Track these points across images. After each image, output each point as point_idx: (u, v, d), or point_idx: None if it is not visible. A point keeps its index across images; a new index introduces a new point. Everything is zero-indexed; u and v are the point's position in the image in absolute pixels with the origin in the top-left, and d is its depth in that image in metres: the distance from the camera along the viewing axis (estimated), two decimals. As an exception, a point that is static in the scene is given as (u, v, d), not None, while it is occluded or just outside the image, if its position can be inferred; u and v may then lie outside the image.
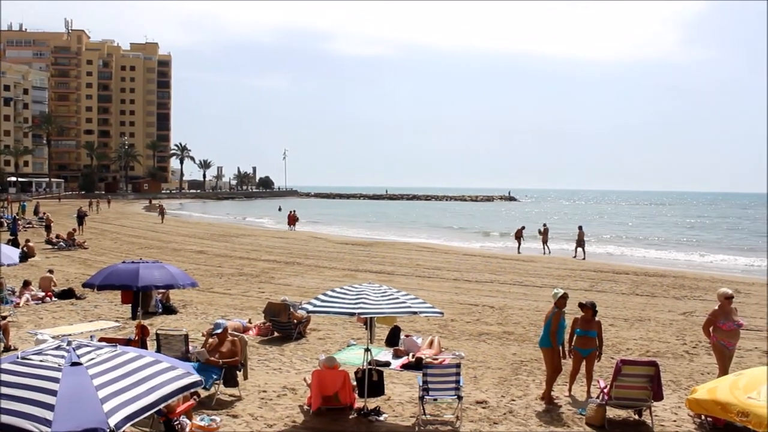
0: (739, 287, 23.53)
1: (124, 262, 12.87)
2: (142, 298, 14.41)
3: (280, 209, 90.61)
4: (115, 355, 5.74)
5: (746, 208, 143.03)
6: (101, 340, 10.52)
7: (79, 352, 5.61)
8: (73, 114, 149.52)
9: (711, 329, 11.15)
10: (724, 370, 10.98)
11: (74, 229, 37.34)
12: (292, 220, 54.49)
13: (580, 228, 37.04)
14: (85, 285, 12.51)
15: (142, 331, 12.34)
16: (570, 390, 11.11)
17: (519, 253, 37.82)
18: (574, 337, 10.85)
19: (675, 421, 10.00)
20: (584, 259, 35.38)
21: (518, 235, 39.34)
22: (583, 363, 10.96)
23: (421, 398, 9.72)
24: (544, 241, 38.53)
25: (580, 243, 36.20)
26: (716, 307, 11.25)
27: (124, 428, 5.03)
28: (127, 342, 11.15)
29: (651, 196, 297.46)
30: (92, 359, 5.53)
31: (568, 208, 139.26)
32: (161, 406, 5.83)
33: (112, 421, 4.94)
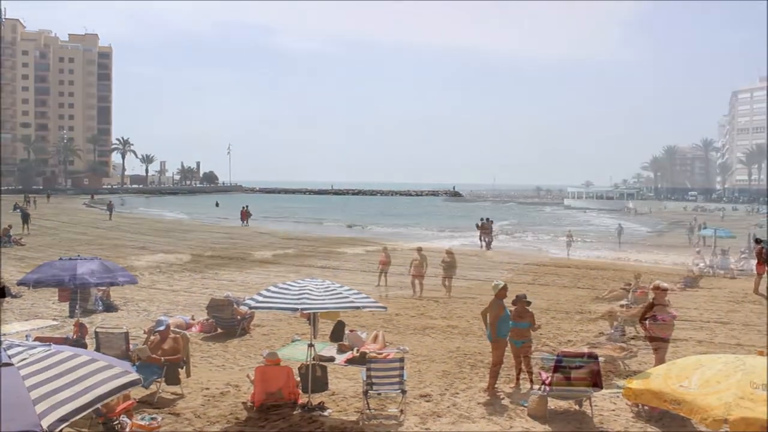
0: (675, 279, 24.26)
1: (61, 258, 12.55)
2: (81, 295, 14.11)
3: (217, 205, 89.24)
4: (48, 355, 5.58)
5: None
6: (37, 339, 10.28)
7: (10, 352, 5.43)
8: (8, 106, 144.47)
9: (647, 321, 11.47)
10: (659, 360, 11.32)
11: (9, 225, 36.10)
12: (245, 215, 54.65)
13: (488, 219, 39.54)
14: (19, 283, 12.19)
15: (81, 330, 12.07)
16: (517, 382, 11.28)
17: (486, 248, 38.01)
18: (510, 330, 11.03)
19: (614, 410, 10.27)
20: (489, 249, 37.16)
21: (485, 229, 39.11)
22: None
23: (365, 393, 9.75)
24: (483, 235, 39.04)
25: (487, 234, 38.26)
26: (651, 299, 11.59)
27: (58, 429, 4.90)
28: (65, 341, 10.88)
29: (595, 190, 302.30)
30: (24, 359, 5.36)
31: (513, 202, 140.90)
32: (99, 406, 5.70)
33: (45, 423, 4.79)
